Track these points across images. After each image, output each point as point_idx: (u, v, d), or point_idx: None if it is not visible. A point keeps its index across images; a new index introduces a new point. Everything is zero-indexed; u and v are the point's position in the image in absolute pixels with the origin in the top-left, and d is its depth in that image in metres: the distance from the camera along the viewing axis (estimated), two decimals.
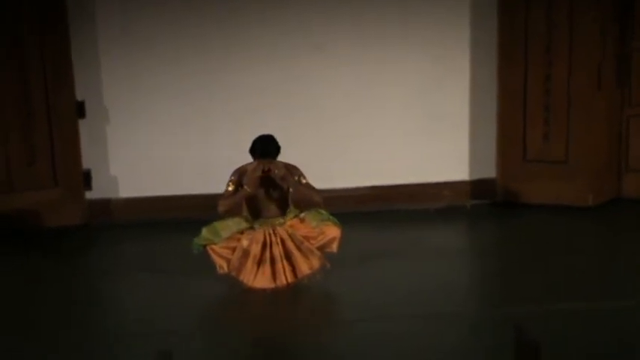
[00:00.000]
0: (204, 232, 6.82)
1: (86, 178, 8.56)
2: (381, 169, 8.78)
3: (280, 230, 6.83)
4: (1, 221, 8.21)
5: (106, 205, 8.65)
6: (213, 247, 6.77)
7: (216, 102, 8.59)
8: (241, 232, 6.83)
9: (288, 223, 6.87)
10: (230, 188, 6.84)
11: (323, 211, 6.96)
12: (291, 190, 6.86)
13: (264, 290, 6.79)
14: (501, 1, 8.53)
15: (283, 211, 6.91)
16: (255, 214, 6.87)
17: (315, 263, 6.81)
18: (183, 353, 5.22)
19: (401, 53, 8.70)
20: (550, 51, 8.51)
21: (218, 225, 6.84)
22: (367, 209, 8.75)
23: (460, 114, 8.84)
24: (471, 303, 6.86)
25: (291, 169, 6.87)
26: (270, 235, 6.82)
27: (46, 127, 8.34)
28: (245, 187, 6.79)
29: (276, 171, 6.76)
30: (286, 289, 6.81)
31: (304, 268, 6.81)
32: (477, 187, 8.94)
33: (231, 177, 6.85)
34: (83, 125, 8.48)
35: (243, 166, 6.87)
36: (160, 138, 8.61)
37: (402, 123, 8.79)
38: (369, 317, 6.34)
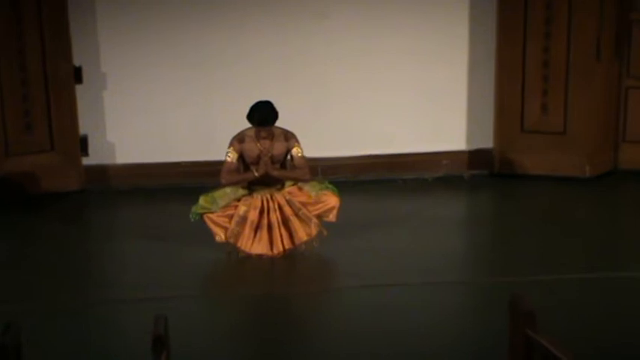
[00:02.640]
0: (202, 200, 6.80)
1: (83, 144, 8.54)
2: (380, 139, 8.76)
3: (278, 196, 6.82)
4: None
5: (102, 171, 8.63)
6: (210, 215, 6.76)
7: (215, 69, 8.55)
8: (238, 200, 6.82)
9: (287, 189, 6.87)
10: (230, 158, 6.80)
11: (321, 180, 6.95)
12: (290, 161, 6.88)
13: (260, 257, 6.80)
14: None
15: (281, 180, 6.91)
16: (254, 182, 6.87)
17: (313, 230, 6.81)
18: (178, 318, 5.23)
19: (401, 24, 8.66)
20: (549, 22, 8.48)
21: (216, 193, 6.83)
22: (366, 178, 8.74)
23: (459, 84, 8.81)
24: (468, 272, 6.89)
25: (288, 137, 6.86)
26: (267, 200, 6.81)
27: (44, 92, 8.31)
28: (254, 171, 6.78)
29: (274, 152, 6.78)
30: (284, 256, 6.82)
31: (301, 234, 6.80)
32: (474, 157, 8.93)
33: (230, 146, 6.83)
34: (80, 91, 8.45)
35: (241, 133, 6.85)
36: (157, 104, 8.58)
37: (401, 93, 8.76)
38: (367, 285, 6.36)
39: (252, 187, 6.85)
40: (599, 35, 8.44)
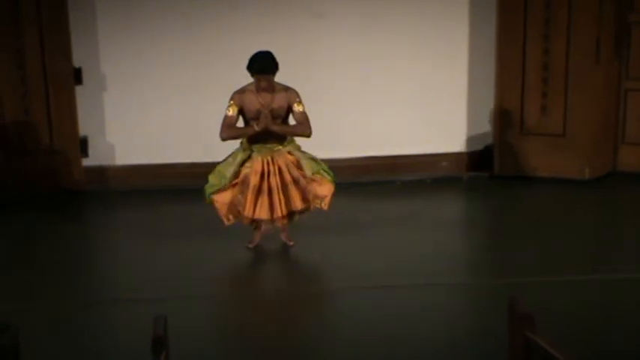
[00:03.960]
0: (211, 178, 6.81)
1: (83, 145, 8.55)
2: (379, 140, 8.76)
3: (278, 159, 6.79)
4: None
5: (102, 172, 8.64)
6: (218, 197, 6.74)
7: (214, 70, 8.54)
8: (241, 165, 6.78)
9: (289, 157, 6.83)
10: (230, 112, 6.74)
11: (319, 161, 6.88)
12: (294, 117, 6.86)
13: (256, 246, 6.83)
14: None
15: (282, 137, 6.85)
16: (254, 138, 6.80)
17: (307, 200, 6.78)
18: (178, 319, 5.23)
19: (399, 24, 8.66)
20: (549, 23, 8.49)
21: (221, 167, 6.81)
22: (364, 179, 8.74)
23: (458, 86, 8.81)
24: (467, 274, 6.88)
25: (289, 90, 6.82)
26: (268, 163, 6.77)
27: (43, 93, 8.32)
28: (253, 124, 6.72)
29: (274, 106, 6.74)
30: (280, 257, 6.82)
31: (298, 202, 6.77)
32: (474, 159, 8.93)
33: (230, 100, 6.77)
34: (80, 92, 8.45)
35: (242, 88, 6.80)
36: (156, 105, 8.59)
37: (400, 94, 8.76)
38: (365, 287, 6.35)
39: (252, 145, 6.81)
40: (598, 37, 8.45)
